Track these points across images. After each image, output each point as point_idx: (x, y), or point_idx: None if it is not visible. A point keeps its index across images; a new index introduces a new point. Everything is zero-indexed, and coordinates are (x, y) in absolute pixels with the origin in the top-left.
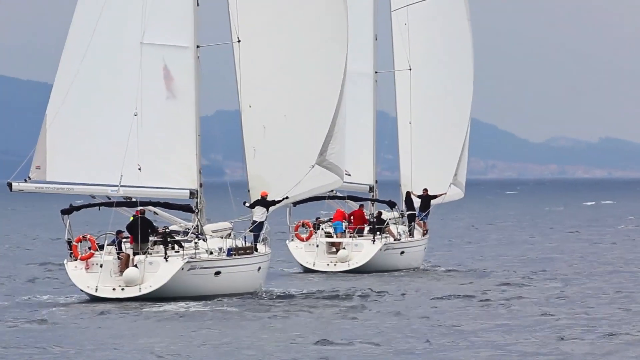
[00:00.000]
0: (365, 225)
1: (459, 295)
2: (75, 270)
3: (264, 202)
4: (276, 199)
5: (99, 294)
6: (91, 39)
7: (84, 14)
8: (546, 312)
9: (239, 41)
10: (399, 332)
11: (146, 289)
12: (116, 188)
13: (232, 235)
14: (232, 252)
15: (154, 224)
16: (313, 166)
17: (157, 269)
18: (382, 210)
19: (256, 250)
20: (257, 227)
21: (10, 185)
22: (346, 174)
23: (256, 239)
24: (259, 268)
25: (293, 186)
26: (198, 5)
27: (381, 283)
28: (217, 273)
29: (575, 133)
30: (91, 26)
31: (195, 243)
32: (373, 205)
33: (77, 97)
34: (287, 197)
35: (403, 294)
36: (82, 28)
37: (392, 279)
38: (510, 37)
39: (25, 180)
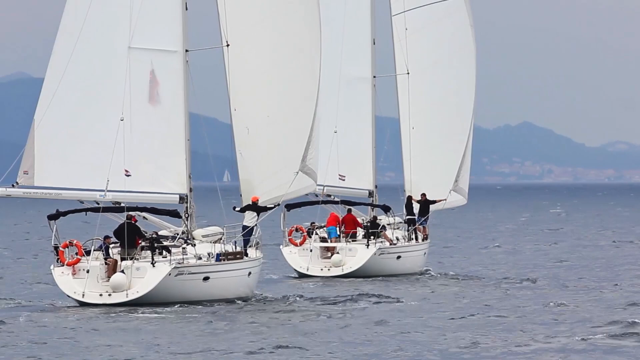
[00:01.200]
0: (358, 229)
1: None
2: (62, 276)
3: (255, 207)
4: (268, 206)
5: (86, 299)
6: (79, 44)
7: (72, 18)
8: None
9: (227, 45)
10: (370, 342)
11: (133, 294)
12: (104, 194)
13: (222, 240)
14: (221, 257)
15: (143, 230)
16: (297, 173)
17: (144, 275)
18: (382, 216)
19: (246, 255)
20: (248, 232)
21: None
22: (340, 179)
23: (246, 244)
24: (250, 273)
25: (275, 190)
26: (187, 9)
27: (371, 288)
28: (206, 278)
29: (634, 137)
30: (79, 30)
31: (183, 248)
32: (373, 210)
33: (64, 102)
34: (278, 205)
35: (378, 302)
36: (69, 32)
37: (381, 284)
38: (568, 39)
39: (13, 186)
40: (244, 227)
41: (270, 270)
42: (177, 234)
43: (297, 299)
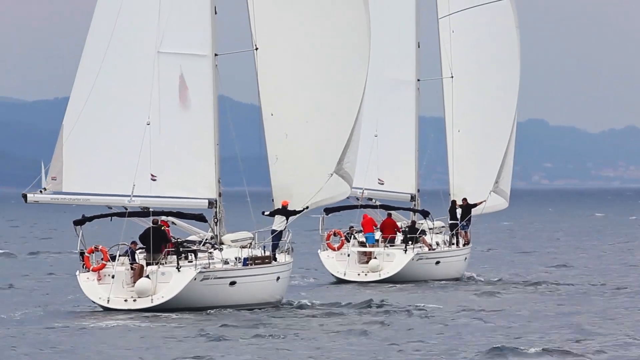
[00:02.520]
0: (397, 234)
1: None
2: (87, 281)
3: (284, 212)
4: (297, 209)
5: (111, 305)
6: (108, 49)
7: (101, 24)
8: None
9: (256, 49)
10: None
11: (158, 299)
12: (133, 199)
13: (252, 244)
14: (248, 261)
15: (171, 235)
16: (331, 174)
17: (169, 280)
18: (421, 220)
19: (275, 259)
20: (276, 237)
21: (25, 196)
22: (379, 183)
23: (275, 248)
24: (278, 278)
25: (314, 194)
26: (216, 13)
27: (406, 295)
28: (232, 283)
29: None
30: (107, 36)
31: (210, 253)
32: (414, 215)
33: (93, 107)
34: (307, 207)
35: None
36: (98, 38)
37: (418, 290)
38: None
39: (41, 192)
40: (273, 231)
41: (308, 274)
42: (206, 239)
43: (332, 304)
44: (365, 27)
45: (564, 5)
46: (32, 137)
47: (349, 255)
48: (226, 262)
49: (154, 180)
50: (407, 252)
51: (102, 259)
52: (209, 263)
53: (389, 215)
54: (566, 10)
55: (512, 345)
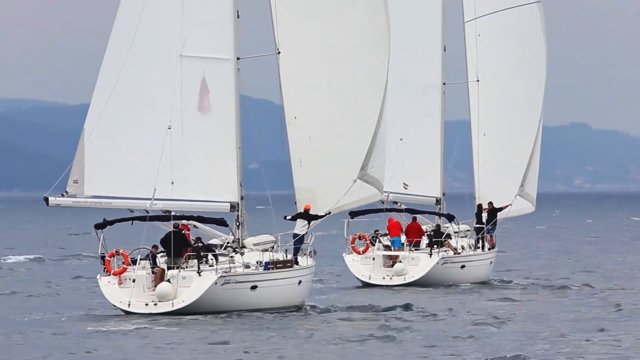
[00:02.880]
0: (422, 238)
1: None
2: (108, 285)
3: (306, 216)
4: (319, 214)
5: (132, 309)
6: (130, 52)
7: (123, 27)
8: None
9: (279, 53)
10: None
11: (179, 304)
12: (155, 202)
13: (274, 248)
14: (269, 265)
15: (192, 238)
16: (355, 181)
17: (190, 284)
18: (447, 224)
19: (297, 263)
20: (298, 240)
21: (46, 199)
22: (404, 187)
23: (297, 252)
24: (300, 282)
25: (337, 200)
26: (238, 17)
27: (428, 298)
28: (254, 287)
29: None
30: (130, 39)
31: (231, 257)
32: (440, 218)
33: (114, 110)
34: (329, 213)
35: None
36: (120, 41)
37: (443, 294)
38: None
39: (62, 195)
40: (295, 235)
41: (333, 278)
42: (227, 243)
43: (356, 308)
44: (384, 30)
45: (607, 6)
46: (75, 141)
47: (374, 259)
48: (247, 266)
49: (174, 183)
50: (432, 256)
51: (123, 263)
52: (230, 267)
53: (414, 219)
54: (609, 13)
55: (540, 351)
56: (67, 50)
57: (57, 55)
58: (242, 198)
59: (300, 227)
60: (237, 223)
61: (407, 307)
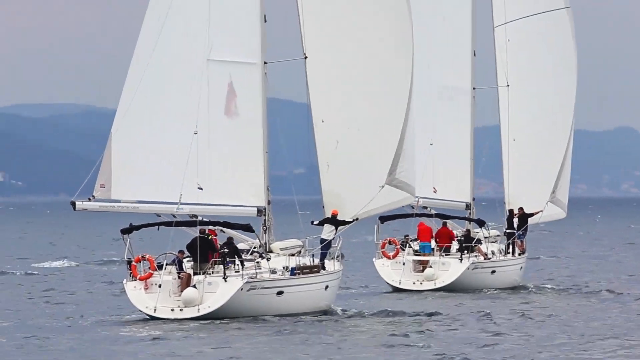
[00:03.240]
0: (452, 243)
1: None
2: (134, 290)
3: (334, 221)
4: (346, 220)
5: (158, 314)
6: (156, 57)
7: (150, 32)
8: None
9: (305, 57)
10: None
11: (205, 309)
12: (181, 207)
13: (301, 253)
14: (296, 271)
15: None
16: (383, 186)
17: (215, 289)
18: (477, 229)
19: (323, 268)
20: (325, 246)
21: (73, 204)
22: (433, 192)
23: (323, 257)
24: (327, 287)
25: (364, 205)
26: (265, 21)
27: (461, 304)
28: (280, 293)
29: None
30: (156, 43)
31: (257, 262)
32: (470, 224)
33: (141, 115)
34: (357, 219)
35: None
36: (147, 45)
37: (474, 299)
38: None
39: (89, 199)
40: (322, 240)
41: (363, 282)
42: (254, 247)
43: (386, 313)
44: (408, 34)
45: None
46: None
47: (404, 264)
48: (273, 272)
49: (201, 189)
50: (462, 261)
51: (149, 268)
52: (256, 273)
53: (444, 224)
54: None
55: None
56: (120, 55)
57: (109, 61)
58: (269, 202)
59: (328, 232)
60: (264, 227)
61: (435, 313)
